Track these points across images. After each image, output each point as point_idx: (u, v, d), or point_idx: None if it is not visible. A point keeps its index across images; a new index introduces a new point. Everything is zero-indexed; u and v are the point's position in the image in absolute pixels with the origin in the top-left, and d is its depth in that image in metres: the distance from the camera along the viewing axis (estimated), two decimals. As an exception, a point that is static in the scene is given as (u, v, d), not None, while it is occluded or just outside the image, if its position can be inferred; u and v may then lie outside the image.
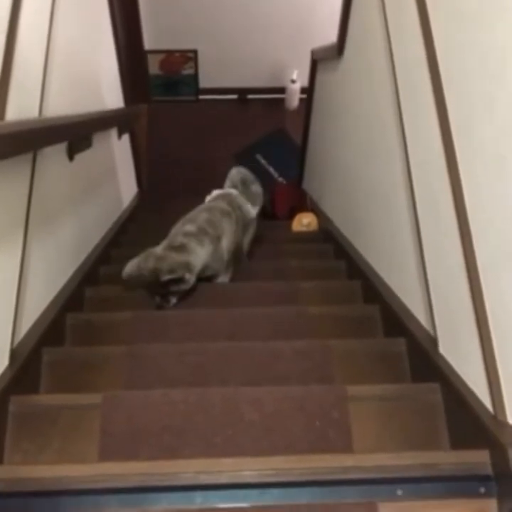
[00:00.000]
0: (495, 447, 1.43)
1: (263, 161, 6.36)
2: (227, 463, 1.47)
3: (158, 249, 2.58)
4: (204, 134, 6.58)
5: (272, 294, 2.79)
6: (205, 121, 6.68)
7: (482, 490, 1.43)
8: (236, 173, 3.68)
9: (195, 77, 6.65)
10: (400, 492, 1.42)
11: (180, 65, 6.57)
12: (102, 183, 3.82)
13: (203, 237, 2.72)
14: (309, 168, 5.24)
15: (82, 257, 3.00)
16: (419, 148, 2.08)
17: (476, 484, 1.43)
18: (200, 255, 2.64)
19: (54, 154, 2.47)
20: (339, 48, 3.60)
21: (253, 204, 3.52)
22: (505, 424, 1.45)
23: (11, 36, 1.93)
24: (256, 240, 3.57)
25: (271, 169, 6.32)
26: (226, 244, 2.94)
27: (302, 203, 4.93)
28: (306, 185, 5.38)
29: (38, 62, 2.30)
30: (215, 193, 3.43)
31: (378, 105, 2.70)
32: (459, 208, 1.68)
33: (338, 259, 3.41)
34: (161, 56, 6.51)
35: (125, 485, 1.42)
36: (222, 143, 6.48)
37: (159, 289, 2.53)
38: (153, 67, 6.57)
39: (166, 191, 5.90)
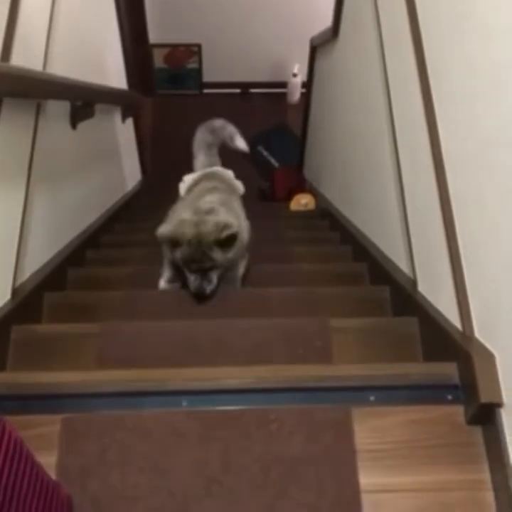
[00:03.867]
0: (462, 358, 1.52)
1: (265, 153, 6.48)
2: (211, 372, 1.58)
3: (188, 216, 2.11)
4: (207, 127, 6.68)
5: (268, 256, 2.88)
6: (209, 114, 6.65)
7: (449, 397, 1.53)
8: (212, 122, 3.36)
9: (199, 71, 6.79)
10: (372, 398, 1.53)
11: (185, 59, 6.71)
12: (106, 161, 3.95)
13: (227, 207, 2.24)
14: (309, 155, 5.35)
15: (85, 224, 3.13)
16: (405, 123, 2.21)
17: (444, 392, 1.53)
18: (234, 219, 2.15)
19: (57, 116, 2.61)
20: (334, 29, 3.71)
21: None
22: (472, 338, 1.55)
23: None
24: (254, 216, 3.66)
25: (272, 160, 6.44)
26: (244, 224, 2.35)
27: (301, 187, 5.05)
28: (306, 172, 5.49)
29: (40, 47, 2.42)
30: (189, 177, 2.80)
31: (368, 80, 2.81)
32: (438, 165, 1.79)
33: (333, 230, 3.52)
34: (166, 50, 6.65)
35: (118, 390, 1.53)
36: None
37: (201, 261, 2.06)
38: (159, 60, 6.71)
39: (169, 180, 6.00)
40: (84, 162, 3.22)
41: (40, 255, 2.36)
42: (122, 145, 4.56)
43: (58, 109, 2.59)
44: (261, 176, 6.17)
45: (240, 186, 2.80)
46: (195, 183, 2.63)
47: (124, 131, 4.71)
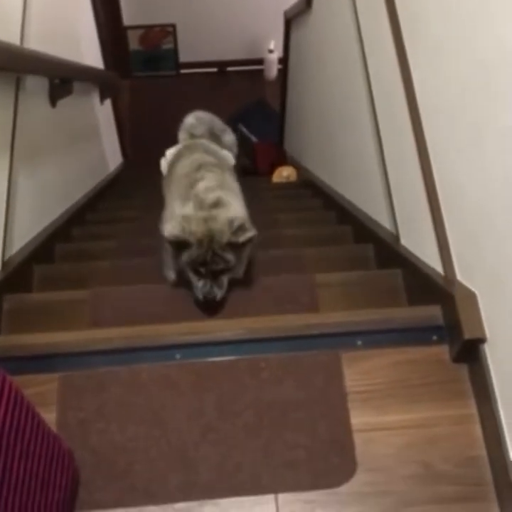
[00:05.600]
0: (445, 299, 1.57)
1: (245, 130, 6.47)
2: (202, 325, 1.62)
3: (191, 211, 1.80)
4: (186, 108, 6.63)
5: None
6: (187, 94, 6.77)
7: (434, 338, 1.58)
8: (195, 121, 2.72)
9: (174, 51, 6.76)
10: (359, 342, 1.57)
11: (160, 40, 6.69)
12: (87, 141, 3.98)
13: (229, 192, 1.96)
14: (289, 129, 5.38)
15: (70, 202, 3.16)
16: (381, 85, 2.24)
17: (429, 333, 1.58)
18: (242, 210, 1.92)
19: (36, 94, 2.62)
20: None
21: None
22: (453, 280, 1.60)
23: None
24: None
25: (253, 137, 6.44)
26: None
27: (282, 161, 5.09)
28: (286, 146, 5.52)
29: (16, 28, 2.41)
30: (171, 151, 2.55)
31: (343, 47, 2.84)
32: (415, 120, 1.83)
33: (315, 198, 3.56)
34: (140, 32, 6.62)
35: (113, 347, 1.57)
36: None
37: (212, 263, 1.76)
38: (133, 42, 6.68)
39: (149, 162, 6.00)
40: (66, 140, 3.23)
41: (27, 231, 2.38)
42: (102, 126, 4.57)
43: (37, 87, 2.60)
44: (243, 154, 6.18)
45: (228, 157, 2.52)
46: (177, 156, 2.34)
47: (103, 113, 4.71)
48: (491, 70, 1.33)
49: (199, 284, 1.80)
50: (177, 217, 1.80)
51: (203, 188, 1.88)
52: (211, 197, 1.83)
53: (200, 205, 1.81)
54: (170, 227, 1.77)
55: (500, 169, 1.32)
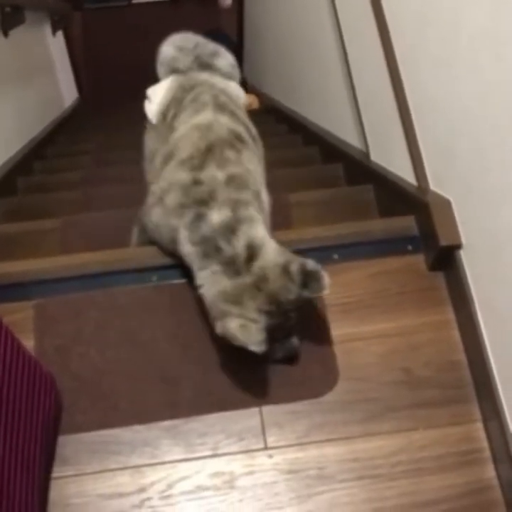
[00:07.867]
0: (420, 209, 1.57)
1: (202, 61, 6.33)
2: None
3: (229, 282, 1.27)
4: (139, 39, 6.44)
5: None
6: (140, 25, 6.56)
7: (410, 247, 1.58)
8: (176, 52, 1.87)
9: (125, -21, 6.52)
10: (335, 256, 1.57)
11: (109, -32, 6.43)
12: (41, 74, 3.87)
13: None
14: (248, 58, 5.28)
15: (29, 136, 3.08)
16: None
17: (404, 243, 1.59)
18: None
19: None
20: None
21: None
22: (427, 189, 1.60)
23: None
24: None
25: (210, 68, 6.31)
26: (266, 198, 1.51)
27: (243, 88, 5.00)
28: (246, 74, 5.42)
29: None
30: (158, 91, 1.76)
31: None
32: (382, 30, 1.78)
33: (279, 123, 3.52)
34: (88, -40, 6.35)
35: (88, 271, 1.54)
36: (158, 46, 6.40)
37: (287, 321, 1.31)
38: (82, -28, 6.40)
39: (105, 96, 5.86)
40: (20, 72, 3.14)
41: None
42: (56, 60, 4.45)
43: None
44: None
45: (240, 92, 1.88)
46: (174, 101, 1.66)
47: (56, 46, 4.58)
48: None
49: (276, 345, 1.34)
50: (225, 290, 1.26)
51: (217, 224, 1.29)
52: (241, 246, 1.27)
53: (228, 264, 1.26)
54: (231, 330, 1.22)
55: (472, 75, 1.30)
